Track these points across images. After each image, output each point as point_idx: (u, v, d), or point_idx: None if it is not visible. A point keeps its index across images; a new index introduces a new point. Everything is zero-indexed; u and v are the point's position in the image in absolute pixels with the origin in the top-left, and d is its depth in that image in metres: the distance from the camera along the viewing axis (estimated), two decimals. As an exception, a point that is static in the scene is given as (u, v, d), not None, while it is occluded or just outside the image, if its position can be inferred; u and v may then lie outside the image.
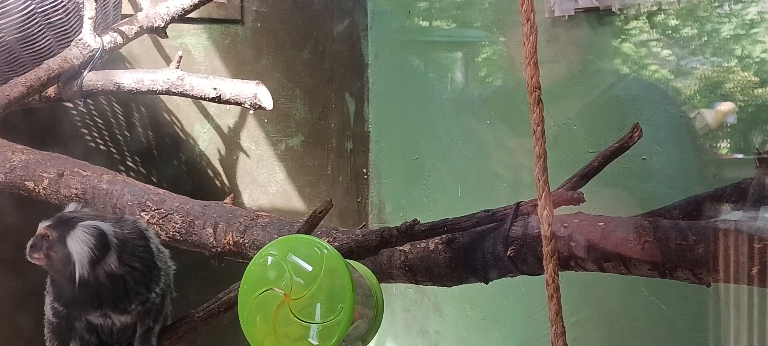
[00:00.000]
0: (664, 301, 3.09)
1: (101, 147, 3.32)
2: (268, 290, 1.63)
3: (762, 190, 1.90)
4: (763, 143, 2.02)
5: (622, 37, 3.14)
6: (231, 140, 3.66)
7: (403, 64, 4.00)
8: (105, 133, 3.34)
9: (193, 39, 3.48)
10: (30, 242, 1.85)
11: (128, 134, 3.40)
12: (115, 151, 3.36)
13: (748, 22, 2.95)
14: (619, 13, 3.12)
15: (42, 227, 1.84)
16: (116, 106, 3.36)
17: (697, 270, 1.63)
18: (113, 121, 3.37)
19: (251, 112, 2.59)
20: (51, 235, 1.82)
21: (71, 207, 1.96)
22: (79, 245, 1.79)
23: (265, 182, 3.75)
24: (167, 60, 3.41)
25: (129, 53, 3.27)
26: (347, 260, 1.68)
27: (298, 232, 1.89)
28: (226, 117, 3.63)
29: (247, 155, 3.70)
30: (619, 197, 2.74)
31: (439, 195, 3.83)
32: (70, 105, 3.19)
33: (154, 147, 3.47)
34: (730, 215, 1.85)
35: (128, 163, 3.38)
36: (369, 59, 4.06)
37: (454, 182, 3.78)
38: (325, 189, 3.96)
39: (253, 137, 3.71)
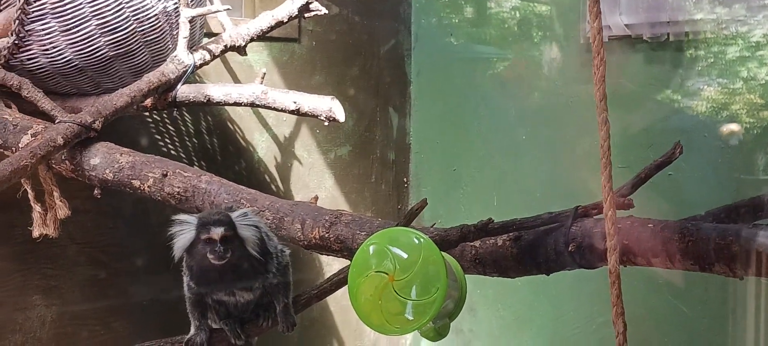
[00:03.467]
0: (686, 304, 3.38)
1: (172, 153, 3.61)
2: (374, 272, 1.96)
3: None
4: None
5: (652, 63, 3.45)
6: (286, 148, 3.97)
7: (444, 82, 4.31)
8: (176, 140, 3.64)
9: (256, 55, 3.79)
10: (216, 248, 2.18)
11: (196, 141, 3.70)
12: (184, 156, 3.65)
13: (754, 44, 3.14)
14: (649, 41, 3.43)
15: (217, 233, 2.18)
16: (186, 115, 3.67)
17: (732, 265, 1.95)
18: (183, 129, 3.67)
19: (326, 123, 2.90)
20: (228, 234, 2.19)
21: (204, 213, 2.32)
22: (247, 232, 2.21)
23: (316, 187, 4.06)
24: (232, 73, 3.73)
25: (201, 69, 3.59)
26: None
27: (397, 225, 2.21)
28: (283, 127, 3.94)
29: (300, 163, 4.02)
30: (651, 206, 3.03)
31: (475, 204, 4.13)
32: (146, 114, 3.51)
33: (218, 153, 3.77)
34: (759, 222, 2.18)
35: (195, 167, 3.68)
36: (412, 77, 4.39)
37: (490, 191, 4.08)
38: (369, 196, 4.28)
39: (305, 146, 4.03)
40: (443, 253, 2.09)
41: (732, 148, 3.29)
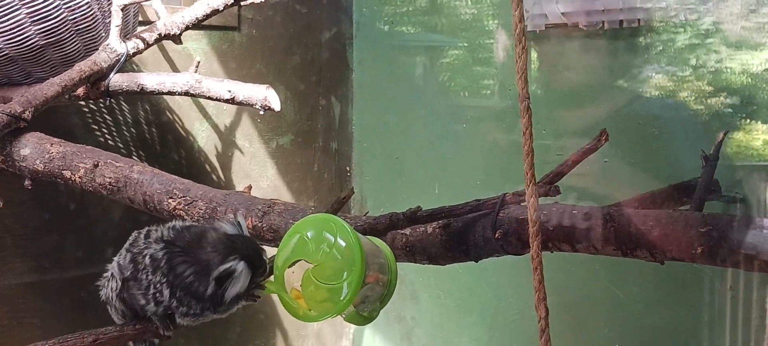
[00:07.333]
0: (622, 288, 3.43)
1: (110, 143, 3.57)
2: (297, 261, 1.98)
3: (707, 186, 2.26)
4: (709, 147, 2.36)
5: (589, 51, 3.48)
6: (227, 138, 3.95)
7: (386, 70, 4.31)
8: (114, 129, 3.60)
9: (194, 44, 3.77)
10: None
11: (134, 131, 3.67)
12: (122, 146, 3.62)
13: (703, 32, 3.14)
14: (585, 29, 3.46)
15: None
16: (123, 104, 3.64)
17: (653, 250, 1.99)
18: (120, 118, 3.63)
19: (261, 112, 2.89)
20: None
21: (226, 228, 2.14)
22: None
23: (257, 177, 4.05)
24: (170, 62, 3.70)
25: (137, 57, 3.56)
26: (368, 237, 2.03)
27: (325, 212, 2.22)
28: (223, 116, 3.92)
29: (242, 152, 4.00)
30: (587, 192, 3.07)
31: (418, 191, 4.15)
32: (83, 103, 3.47)
33: (157, 143, 3.74)
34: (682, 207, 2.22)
35: (134, 158, 3.64)
36: (354, 65, 4.38)
37: (432, 179, 4.10)
38: (311, 185, 4.27)
39: (247, 136, 4.01)
40: (374, 238, 2.11)
41: (667, 135, 3.34)
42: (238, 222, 2.09)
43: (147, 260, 2.06)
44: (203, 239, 2.05)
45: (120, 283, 2.12)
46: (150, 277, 2.05)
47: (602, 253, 2.08)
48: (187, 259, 2.03)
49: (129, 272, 2.09)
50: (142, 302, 2.09)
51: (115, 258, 2.16)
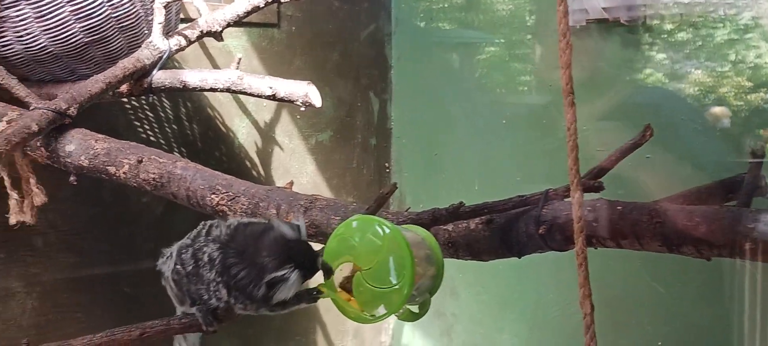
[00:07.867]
0: (665, 285, 3.41)
1: (152, 139, 3.61)
2: (344, 262, 1.98)
3: (754, 183, 2.23)
4: (756, 143, 2.33)
5: (629, 46, 3.45)
6: (266, 134, 3.97)
7: (425, 66, 4.31)
8: (155, 126, 3.64)
9: (234, 41, 3.79)
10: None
11: (176, 128, 3.70)
12: (164, 142, 3.65)
13: (742, 27, 3.15)
14: (626, 24, 3.43)
15: None
16: (165, 101, 3.67)
17: (699, 246, 1.96)
18: (162, 115, 3.67)
19: (303, 108, 2.90)
20: None
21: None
22: None
23: (297, 173, 4.07)
24: (210, 58, 3.73)
25: (178, 54, 3.59)
26: (410, 226, 2.03)
27: (367, 211, 2.22)
28: (263, 113, 3.94)
29: (281, 148, 4.02)
30: (630, 188, 3.04)
31: (457, 188, 4.14)
32: (125, 100, 3.50)
33: (198, 139, 3.77)
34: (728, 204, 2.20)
35: (176, 154, 3.67)
36: (393, 62, 4.39)
37: (471, 176, 4.09)
38: (350, 181, 4.28)
39: (286, 132, 4.03)
40: (416, 227, 2.11)
41: (709, 131, 3.30)
42: (298, 226, 2.06)
43: (205, 258, 2.09)
44: (260, 241, 2.05)
45: (173, 265, 2.17)
46: (209, 275, 2.08)
47: (647, 249, 2.06)
48: (242, 261, 2.04)
49: (191, 267, 2.13)
50: (205, 296, 2.13)
51: (180, 242, 2.20)
